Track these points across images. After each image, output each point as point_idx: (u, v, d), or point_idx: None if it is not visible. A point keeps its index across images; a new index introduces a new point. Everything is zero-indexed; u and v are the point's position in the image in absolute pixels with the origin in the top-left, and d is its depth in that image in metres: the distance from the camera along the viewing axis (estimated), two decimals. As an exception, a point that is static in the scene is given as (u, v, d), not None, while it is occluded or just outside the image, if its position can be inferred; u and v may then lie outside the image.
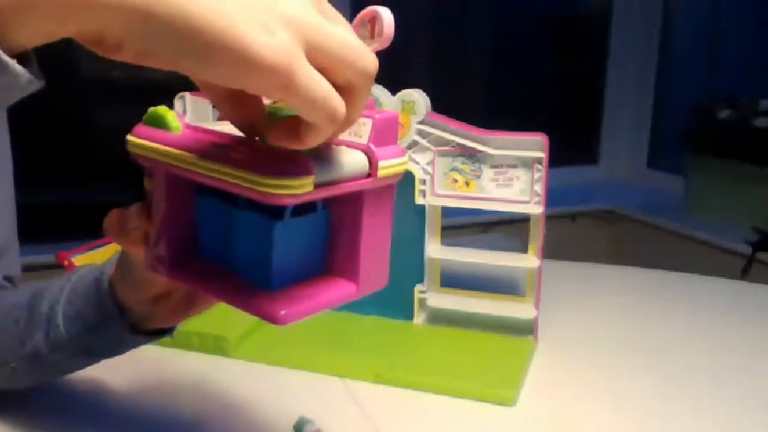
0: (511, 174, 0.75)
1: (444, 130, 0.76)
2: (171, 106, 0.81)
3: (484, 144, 0.75)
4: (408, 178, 0.77)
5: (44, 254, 1.52)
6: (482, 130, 0.75)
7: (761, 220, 1.71)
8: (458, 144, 0.76)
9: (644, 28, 2.28)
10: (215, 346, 0.74)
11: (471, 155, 0.76)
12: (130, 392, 0.67)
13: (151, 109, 0.42)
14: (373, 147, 0.39)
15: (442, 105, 0.77)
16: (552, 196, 0.76)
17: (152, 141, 0.41)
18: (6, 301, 0.60)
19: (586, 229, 2.16)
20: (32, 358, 0.56)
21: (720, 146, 1.88)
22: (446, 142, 0.76)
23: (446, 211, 0.79)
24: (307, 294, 0.41)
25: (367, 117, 0.40)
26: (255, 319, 0.40)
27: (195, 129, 0.41)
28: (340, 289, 0.42)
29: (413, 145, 0.77)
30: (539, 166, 0.74)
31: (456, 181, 0.77)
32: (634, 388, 0.69)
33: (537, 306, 0.77)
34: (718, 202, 1.91)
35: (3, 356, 0.57)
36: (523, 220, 0.78)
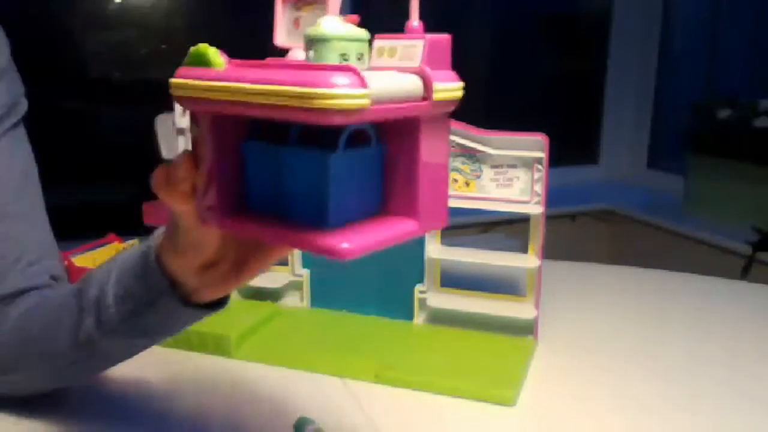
0: (511, 174, 0.75)
1: (444, 130, 0.76)
2: (171, 107, 0.81)
3: (484, 144, 0.75)
4: (408, 178, 0.77)
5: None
6: (482, 130, 0.75)
7: (761, 220, 1.71)
8: (458, 144, 0.76)
9: (644, 28, 2.28)
10: (216, 346, 0.74)
11: (471, 155, 0.76)
12: (130, 392, 0.67)
13: (193, 48, 0.40)
14: (427, 69, 0.37)
15: (442, 105, 0.77)
16: (552, 196, 0.76)
17: (196, 79, 0.39)
18: (57, 295, 0.60)
19: (586, 229, 2.16)
20: (87, 345, 0.55)
21: (720, 146, 1.88)
22: (446, 142, 0.76)
23: (446, 211, 0.79)
24: (368, 229, 0.39)
25: (419, 38, 0.38)
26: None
27: (240, 63, 0.40)
28: (402, 226, 0.40)
29: None
30: (539, 166, 0.74)
31: (456, 181, 0.77)
32: (633, 388, 0.69)
33: (537, 306, 0.77)
34: (718, 202, 1.91)
35: (61, 350, 0.57)
36: (523, 220, 0.78)
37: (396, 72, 0.37)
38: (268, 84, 0.35)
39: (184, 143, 0.82)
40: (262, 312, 0.80)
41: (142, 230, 0.82)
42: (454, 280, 0.82)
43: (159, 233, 0.51)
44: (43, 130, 1.90)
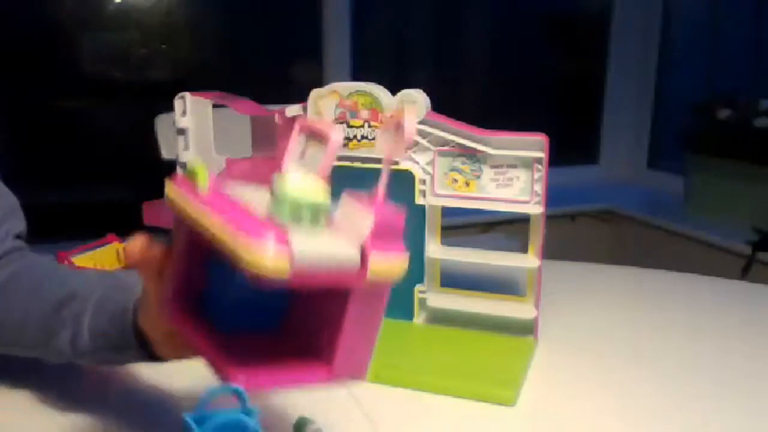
0: (511, 174, 0.75)
1: (444, 130, 0.76)
2: (171, 107, 0.81)
3: (484, 144, 0.75)
4: (408, 178, 0.77)
5: (44, 254, 1.52)
6: (482, 130, 0.75)
7: (761, 220, 1.71)
8: (458, 144, 0.76)
9: (644, 28, 2.28)
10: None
11: (471, 155, 0.76)
12: (129, 392, 0.67)
13: (190, 163, 0.45)
14: (368, 245, 0.38)
15: (442, 105, 0.77)
16: (552, 196, 0.76)
17: (181, 191, 0.44)
18: (34, 267, 0.65)
19: (586, 229, 2.16)
20: (57, 355, 0.59)
21: (720, 146, 1.88)
22: (446, 142, 0.76)
23: (446, 211, 0.79)
24: (274, 367, 0.42)
25: (371, 213, 0.39)
26: None
27: (219, 194, 0.43)
28: (311, 372, 0.42)
29: (413, 145, 0.77)
30: (539, 166, 0.74)
31: (456, 181, 0.77)
32: (633, 388, 0.69)
33: (537, 306, 0.77)
34: (718, 202, 1.91)
35: (35, 341, 0.60)
36: (523, 220, 0.78)
37: (333, 240, 0.38)
38: (215, 225, 0.38)
39: (183, 143, 0.82)
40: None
41: (142, 230, 0.82)
42: (454, 280, 0.82)
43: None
44: (43, 130, 1.91)
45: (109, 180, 1.81)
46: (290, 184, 0.39)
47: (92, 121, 1.86)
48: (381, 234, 0.39)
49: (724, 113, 1.86)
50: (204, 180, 0.43)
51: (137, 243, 0.49)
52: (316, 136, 0.43)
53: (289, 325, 0.47)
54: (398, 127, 0.42)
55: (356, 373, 0.43)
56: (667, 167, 2.27)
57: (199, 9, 1.91)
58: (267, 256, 0.35)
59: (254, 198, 0.42)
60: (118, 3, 1.78)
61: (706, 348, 0.79)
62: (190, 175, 0.44)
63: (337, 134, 0.41)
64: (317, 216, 0.39)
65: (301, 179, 0.39)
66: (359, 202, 0.40)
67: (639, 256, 2.04)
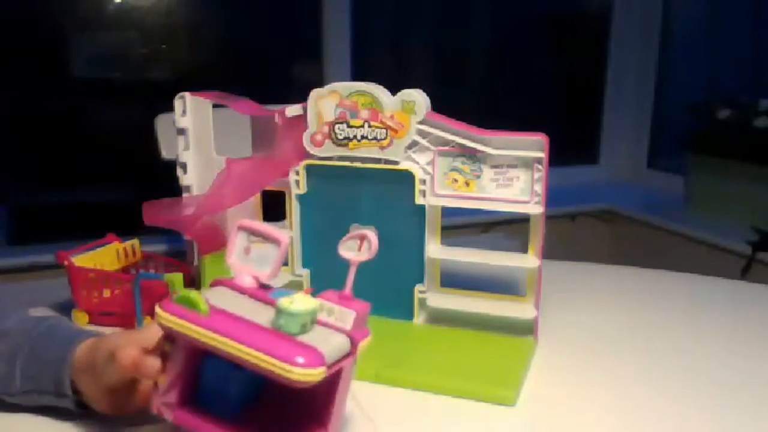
0: (511, 174, 0.75)
1: (444, 130, 0.76)
2: (171, 107, 0.81)
3: (484, 144, 0.75)
4: (408, 178, 0.77)
5: (44, 254, 1.52)
6: (482, 130, 0.75)
7: (761, 220, 1.71)
8: (458, 144, 0.76)
9: (644, 28, 2.28)
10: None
11: (471, 155, 0.76)
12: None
13: (183, 292, 0.51)
14: (355, 333, 0.51)
15: (442, 105, 0.77)
16: (552, 196, 0.76)
17: (182, 318, 0.50)
18: None
19: (586, 229, 2.16)
20: None
21: (720, 146, 1.88)
22: (446, 142, 0.76)
23: (446, 211, 0.79)
24: None
25: (351, 309, 0.51)
26: None
27: (221, 312, 0.50)
28: None
29: (413, 145, 0.77)
30: (539, 166, 0.74)
31: (456, 181, 0.77)
32: (633, 388, 0.69)
33: (537, 306, 0.77)
34: (718, 202, 1.91)
35: None
36: (523, 220, 0.78)
37: (334, 332, 0.50)
38: (247, 346, 0.47)
39: (183, 143, 0.82)
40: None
41: (141, 230, 0.82)
42: (454, 280, 0.82)
43: (82, 342, 0.60)
44: (43, 130, 1.91)
45: (109, 180, 1.81)
46: (299, 304, 0.49)
47: (92, 121, 1.86)
48: (359, 324, 0.51)
49: (724, 113, 1.86)
50: (204, 305, 0.50)
51: (130, 353, 0.54)
52: (261, 236, 0.53)
53: (262, 404, 0.56)
54: (363, 238, 0.54)
55: (339, 429, 0.55)
56: (667, 167, 2.27)
57: (199, 9, 1.91)
58: (312, 372, 0.46)
59: (253, 313, 0.50)
60: (118, 3, 1.78)
61: (706, 348, 0.79)
62: (186, 302, 0.50)
63: (285, 237, 0.53)
64: (313, 320, 0.50)
65: (302, 298, 0.50)
66: (336, 301, 0.52)
67: (639, 256, 2.04)
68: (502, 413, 0.64)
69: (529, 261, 0.77)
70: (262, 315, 0.51)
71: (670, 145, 2.30)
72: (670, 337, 0.82)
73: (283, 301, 0.49)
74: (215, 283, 0.55)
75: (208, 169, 0.82)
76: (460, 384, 0.67)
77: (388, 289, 0.81)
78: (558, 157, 0.85)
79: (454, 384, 0.67)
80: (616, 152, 2.38)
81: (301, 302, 0.49)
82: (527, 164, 0.74)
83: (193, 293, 0.50)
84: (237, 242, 0.54)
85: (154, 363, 0.54)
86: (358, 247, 0.55)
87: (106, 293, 0.84)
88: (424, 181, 0.77)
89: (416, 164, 0.77)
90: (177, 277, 0.77)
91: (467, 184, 0.77)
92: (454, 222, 1.86)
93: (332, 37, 1.97)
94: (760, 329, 0.84)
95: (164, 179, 0.91)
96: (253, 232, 0.54)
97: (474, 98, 2.36)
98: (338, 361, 0.49)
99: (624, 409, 0.65)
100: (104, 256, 0.88)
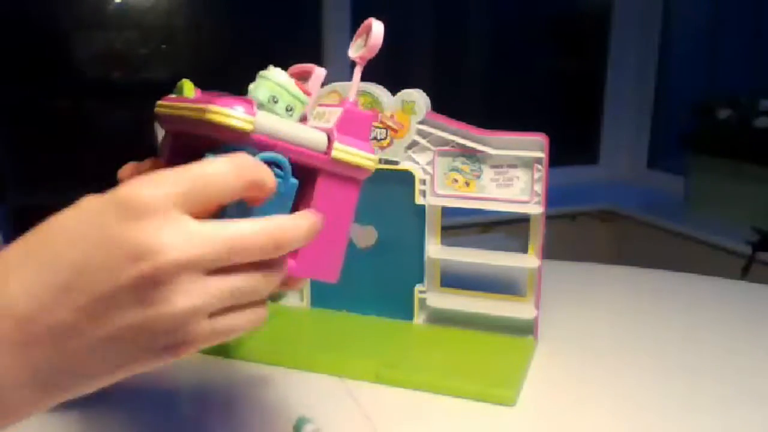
0: (511, 174, 0.75)
1: (444, 130, 0.76)
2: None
3: (484, 144, 0.75)
4: (408, 178, 0.77)
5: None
6: (482, 130, 0.75)
7: (761, 220, 1.71)
8: (458, 144, 0.76)
9: (644, 28, 2.28)
10: (215, 346, 0.74)
11: (471, 155, 0.76)
12: (128, 392, 0.67)
13: (179, 82, 0.46)
14: (334, 129, 0.42)
15: (442, 105, 0.77)
16: (552, 196, 0.76)
17: (168, 102, 0.46)
18: None
19: (586, 229, 2.16)
20: None
21: (720, 146, 1.88)
22: (446, 142, 0.76)
23: (446, 211, 0.79)
24: None
25: (340, 107, 0.43)
26: None
27: (204, 94, 0.45)
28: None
29: (413, 145, 0.77)
30: (539, 166, 0.74)
31: (456, 181, 0.77)
32: (633, 388, 0.69)
33: (537, 306, 0.77)
34: (718, 202, 1.91)
35: None
36: (523, 220, 0.78)
37: (300, 125, 0.42)
38: (187, 102, 0.43)
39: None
40: (262, 312, 0.80)
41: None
42: (454, 280, 0.82)
43: None
44: (42, 130, 1.91)
45: (108, 180, 1.81)
46: (277, 71, 0.42)
47: (92, 120, 1.86)
48: (347, 125, 0.43)
49: (724, 113, 1.86)
50: (190, 90, 0.46)
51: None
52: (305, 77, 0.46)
53: None
54: (368, 30, 0.46)
55: (325, 273, 0.45)
56: (667, 167, 2.27)
57: (199, 9, 1.91)
58: (233, 115, 0.39)
59: None
60: (118, 3, 1.78)
61: (706, 348, 0.79)
62: (179, 90, 0.46)
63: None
64: (292, 108, 0.43)
65: (286, 75, 0.43)
66: (331, 105, 0.44)
67: (639, 256, 2.04)
68: (502, 413, 0.64)
69: (529, 261, 0.77)
70: None
71: (671, 145, 2.30)
72: (670, 337, 0.82)
73: (268, 68, 0.44)
74: None
75: (208, 169, 0.82)
76: (460, 384, 0.67)
77: (388, 289, 0.81)
78: (558, 157, 0.85)
79: (454, 384, 0.67)
80: (616, 152, 2.38)
81: (284, 76, 0.43)
82: (527, 164, 0.74)
83: (187, 82, 0.47)
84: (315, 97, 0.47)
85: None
86: (364, 42, 0.47)
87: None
88: (424, 181, 0.77)
89: (416, 164, 0.77)
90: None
91: (467, 184, 0.77)
92: (454, 222, 1.87)
93: (332, 37, 1.97)
94: (760, 329, 0.84)
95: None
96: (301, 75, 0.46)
97: (474, 98, 2.36)
98: (295, 144, 0.41)
99: (624, 409, 0.65)
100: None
